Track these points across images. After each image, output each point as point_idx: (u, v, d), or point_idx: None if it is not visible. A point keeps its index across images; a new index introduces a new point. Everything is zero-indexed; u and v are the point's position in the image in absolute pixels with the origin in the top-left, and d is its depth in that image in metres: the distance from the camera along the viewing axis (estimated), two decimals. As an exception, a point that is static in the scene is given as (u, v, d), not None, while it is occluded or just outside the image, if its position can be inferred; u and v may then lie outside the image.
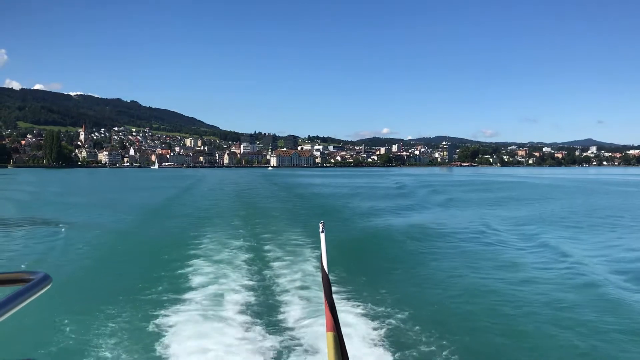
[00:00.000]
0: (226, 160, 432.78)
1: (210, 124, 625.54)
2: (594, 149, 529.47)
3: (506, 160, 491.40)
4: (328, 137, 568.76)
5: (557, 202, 57.91)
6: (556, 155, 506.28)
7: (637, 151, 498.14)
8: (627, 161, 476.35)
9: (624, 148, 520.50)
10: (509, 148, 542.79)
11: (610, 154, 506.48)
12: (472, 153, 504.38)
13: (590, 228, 35.92)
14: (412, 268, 21.88)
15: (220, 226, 33.66)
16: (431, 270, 21.43)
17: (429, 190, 78.36)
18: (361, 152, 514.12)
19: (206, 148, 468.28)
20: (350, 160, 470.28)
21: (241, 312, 14.99)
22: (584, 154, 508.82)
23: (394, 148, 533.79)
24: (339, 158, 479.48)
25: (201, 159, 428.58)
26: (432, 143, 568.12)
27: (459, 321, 14.69)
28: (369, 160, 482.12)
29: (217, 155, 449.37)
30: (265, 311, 15.27)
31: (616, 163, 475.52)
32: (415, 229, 33.04)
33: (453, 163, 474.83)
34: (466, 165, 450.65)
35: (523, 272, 20.98)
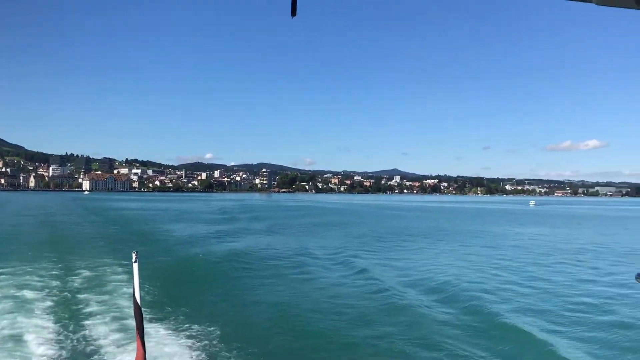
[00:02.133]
0: (32, 183, 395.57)
1: (13, 142, 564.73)
2: (398, 178, 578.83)
3: (320, 187, 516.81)
4: (148, 160, 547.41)
5: (362, 225, 64.69)
6: (365, 183, 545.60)
7: (433, 180, 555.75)
8: (424, 189, 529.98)
9: (423, 177, 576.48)
10: (324, 176, 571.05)
11: (411, 182, 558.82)
12: (290, 180, 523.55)
13: (384, 247, 40.75)
14: (232, 293, 22.45)
15: (22, 257, 30.58)
16: (252, 293, 22.27)
17: (250, 216, 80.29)
18: (182, 177, 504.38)
19: (8, 170, 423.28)
20: (170, 185, 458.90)
21: (43, 356, 13.70)
22: (389, 183, 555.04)
23: (216, 174, 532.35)
24: (157, 183, 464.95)
25: (2, 181, 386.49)
26: (254, 169, 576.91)
27: (275, 335, 16.20)
28: (190, 185, 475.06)
29: (21, 177, 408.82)
30: (72, 348, 14.36)
31: (415, 191, 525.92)
32: (235, 254, 33.79)
33: (272, 189, 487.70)
34: (284, 192, 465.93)
35: (331, 288, 23.77)
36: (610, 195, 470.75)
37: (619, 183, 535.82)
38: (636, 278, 3.97)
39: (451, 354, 14.61)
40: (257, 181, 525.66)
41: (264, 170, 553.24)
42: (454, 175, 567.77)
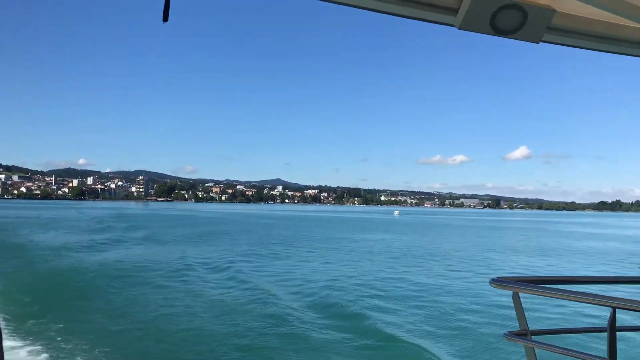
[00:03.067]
0: None
1: None
2: (280, 188, 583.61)
3: (201, 196, 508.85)
4: (13, 165, 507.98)
5: (240, 235, 67.30)
6: (247, 192, 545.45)
7: (314, 191, 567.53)
8: (305, 199, 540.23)
9: (305, 188, 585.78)
10: (206, 184, 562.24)
11: (292, 192, 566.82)
12: (169, 188, 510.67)
13: (262, 255, 43.65)
14: (108, 307, 22.29)
15: None
16: (128, 306, 22.39)
17: (126, 225, 79.79)
18: (51, 183, 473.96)
19: None
20: (38, 192, 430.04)
21: None
22: (271, 192, 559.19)
23: (89, 180, 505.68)
24: (24, 189, 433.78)
25: None
26: (131, 177, 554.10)
27: (151, 347, 16.82)
28: (60, 192, 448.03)
29: None
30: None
31: (296, 201, 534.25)
32: (110, 265, 33.87)
33: (149, 198, 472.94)
34: (162, 200, 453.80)
35: (206, 297, 24.90)
36: (474, 206, 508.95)
37: (483, 195, 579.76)
38: (490, 283, 4.03)
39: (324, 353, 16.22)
40: (133, 189, 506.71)
41: (141, 177, 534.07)
42: (334, 185, 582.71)
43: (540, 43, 4.62)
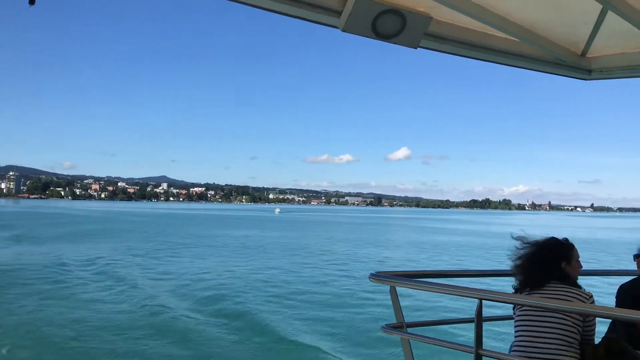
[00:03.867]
0: None
1: None
2: (165, 185, 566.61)
3: (78, 193, 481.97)
4: None
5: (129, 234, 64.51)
6: (129, 190, 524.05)
7: (200, 188, 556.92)
8: (191, 197, 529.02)
9: (192, 185, 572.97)
10: (85, 181, 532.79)
11: (178, 190, 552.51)
12: (43, 185, 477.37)
13: (142, 255, 42.10)
14: None
15: None
16: None
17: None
18: None
19: None
20: None
21: None
22: (155, 190, 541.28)
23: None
24: None
25: None
26: (1, 173, 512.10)
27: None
28: None
29: None
30: None
31: (182, 199, 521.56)
32: None
33: (21, 195, 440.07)
34: (35, 198, 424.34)
35: (85, 299, 23.80)
36: (357, 204, 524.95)
37: (367, 193, 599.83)
38: (369, 278, 4.17)
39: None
40: (2, 185, 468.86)
41: (11, 173, 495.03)
42: (223, 183, 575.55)
43: (419, 49, 4.86)
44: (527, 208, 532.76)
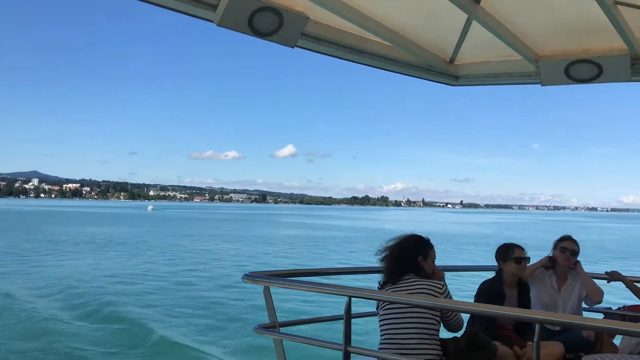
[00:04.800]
0: None
1: None
2: (36, 181, 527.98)
3: None
4: None
5: None
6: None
7: (75, 185, 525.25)
8: (64, 194, 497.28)
9: (67, 181, 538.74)
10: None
11: (50, 186, 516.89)
12: None
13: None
14: None
15: None
16: None
17: None
18: None
19: None
20: None
21: None
22: (24, 186, 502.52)
23: None
24: None
25: None
26: None
27: None
28: None
29: None
30: None
31: (54, 195, 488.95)
32: None
33: None
34: None
35: None
36: (242, 201, 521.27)
37: (253, 190, 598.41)
38: (243, 278, 4.15)
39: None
40: None
41: None
42: (100, 179, 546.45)
43: (296, 48, 4.87)
44: (403, 205, 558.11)
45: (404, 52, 5.42)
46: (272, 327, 4.04)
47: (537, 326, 2.74)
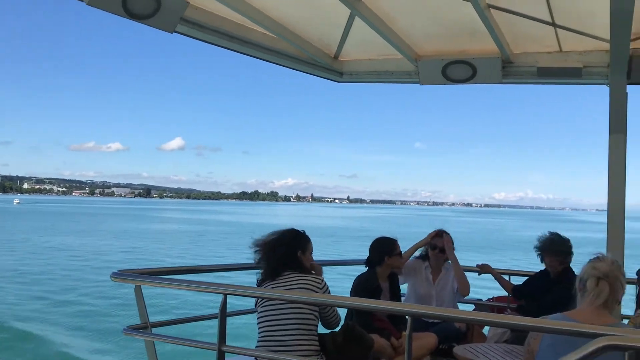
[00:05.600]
0: None
1: None
2: None
3: None
4: None
5: None
6: None
7: None
8: None
9: None
10: None
11: None
12: None
13: None
14: None
15: None
16: None
17: None
18: None
19: None
20: None
21: None
22: None
23: None
24: None
25: None
26: None
27: None
28: None
29: None
30: None
31: None
32: None
33: None
34: None
35: None
36: (125, 195, 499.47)
37: (138, 184, 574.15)
38: (111, 277, 3.86)
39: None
40: None
41: None
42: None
43: (175, 34, 4.63)
44: (292, 200, 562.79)
45: (289, 45, 5.36)
46: (143, 327, 3.81)
47: (409, 319, 2.78)
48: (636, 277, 4.20)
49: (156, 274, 4.01)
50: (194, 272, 4.57)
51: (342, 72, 6.06)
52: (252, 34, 5.11)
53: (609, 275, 2.82)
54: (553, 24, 4.51)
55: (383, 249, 4.97)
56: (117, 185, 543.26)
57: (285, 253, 3.84)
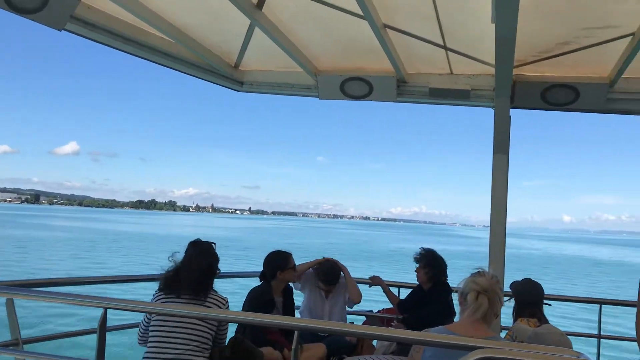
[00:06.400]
0: None
1: None
2: None
3: None
4: None
5: None
6: None
7: None
8: None
9: None
10: None
11: None
12: None
13: None
14: None
15: None
16: None
17: None
18: None
19: None
20: None
21: None
22: None
23: None
24: None
25: None
26: None
27: None
28: None
29: None
30: None
31: None
32: None
33: None
34: None
35: None
36: (10, 201, 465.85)
37: (27, 190, 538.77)
38: None
39: None
40: None
41: None
42: None
43: (64, 32, 4.36)
44: (192, 210, 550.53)
45: (187, 51, 5.23)
46: (13, 344, 3.53)
47: (296, 333, 2.78)
48: (509, 289, 4.47)
49: (30, 286, 3.73)
50: (73, 284, 4.31)
51: (243, 81, 6.00)
52: (149, 37, 4.94)
53: (488, 290, 2.95)
54: (445, 47, 4.71)
55: (276, 263, 4.95)
56: (4, 190, 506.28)
57: (202, 269, 3.71)
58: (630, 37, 4.08)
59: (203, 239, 3.86)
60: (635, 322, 4.43)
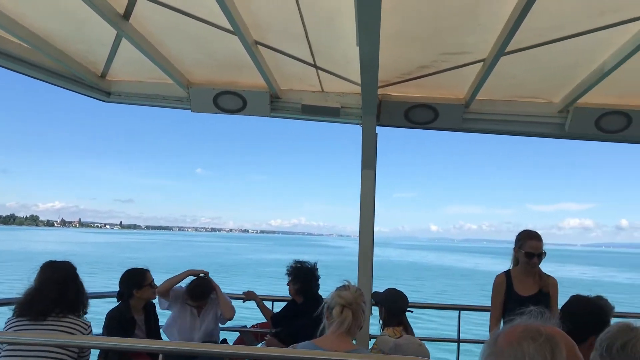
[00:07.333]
0: None
1: None
2: None
3: None
4: None
5: None
6: None
7: None
8: None
9: None
10: None
11: None
12: None
13: None
14: None
15: None
16: None
17: None
18: None
19: None
20: None
21: None
22: None
23: None
24: None
25: None
26: None
27: None
28: None
29: None
30: None
31: None
32: None
33: None
34: None
35: None
36: None
37: None
38: None
39: None
40: None
41: None
42: None
43: None
44: (57, 225, 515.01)
45: (49, 60, 4.93)
46: None
47: (161, 356, 2.72)
48: (372, 300, 4.67)
49: None
50: None
51: (110, 92, 5.78)
52: (7, 44, 4.62)
53: (352, 303, 3.07)
54: (315, 66, 4.85)
55: (131, 281, 4.79)
56: None
57: (66, 293, 3.48)
58: (482, 62, 4.46)
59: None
60: (489, 326, 4.83)
